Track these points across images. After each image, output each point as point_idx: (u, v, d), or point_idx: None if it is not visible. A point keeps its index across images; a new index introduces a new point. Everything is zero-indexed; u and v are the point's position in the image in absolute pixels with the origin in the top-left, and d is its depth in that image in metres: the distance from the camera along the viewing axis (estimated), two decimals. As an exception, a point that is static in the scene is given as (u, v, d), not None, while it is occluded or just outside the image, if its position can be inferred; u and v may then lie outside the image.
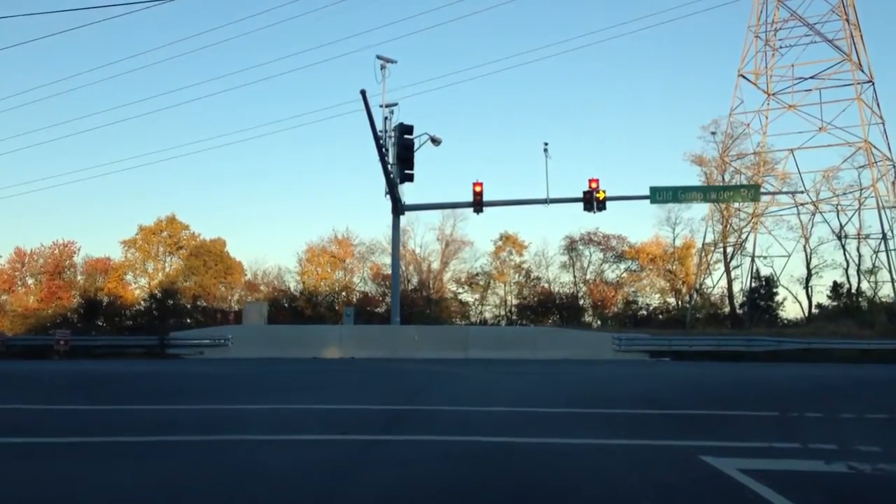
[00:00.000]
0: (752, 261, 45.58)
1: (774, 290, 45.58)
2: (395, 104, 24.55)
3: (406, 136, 24.35)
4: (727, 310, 46.68)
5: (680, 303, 48.24)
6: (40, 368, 16.68)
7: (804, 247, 45.74)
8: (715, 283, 47.55)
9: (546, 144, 26.50)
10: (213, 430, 6.57)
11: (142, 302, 48.92)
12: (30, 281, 50.00)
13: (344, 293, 47.98)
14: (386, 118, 24.56)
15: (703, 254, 46.19)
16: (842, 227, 43.84)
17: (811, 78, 42.91)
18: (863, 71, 42.35)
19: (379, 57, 23.52)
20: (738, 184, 39.79)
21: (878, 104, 42.64)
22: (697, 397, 10.57)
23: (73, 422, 7.41)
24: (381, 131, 24.13)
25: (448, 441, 6.03)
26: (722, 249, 46.73)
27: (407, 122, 24.93)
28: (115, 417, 7.73)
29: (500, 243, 48.93)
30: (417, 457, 5.30)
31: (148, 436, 6.27)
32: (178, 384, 12.40)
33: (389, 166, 24.51)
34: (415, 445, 5.86)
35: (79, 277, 50.05)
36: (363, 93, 21.62)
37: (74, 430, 6.64)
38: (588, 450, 5.74)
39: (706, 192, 29.76)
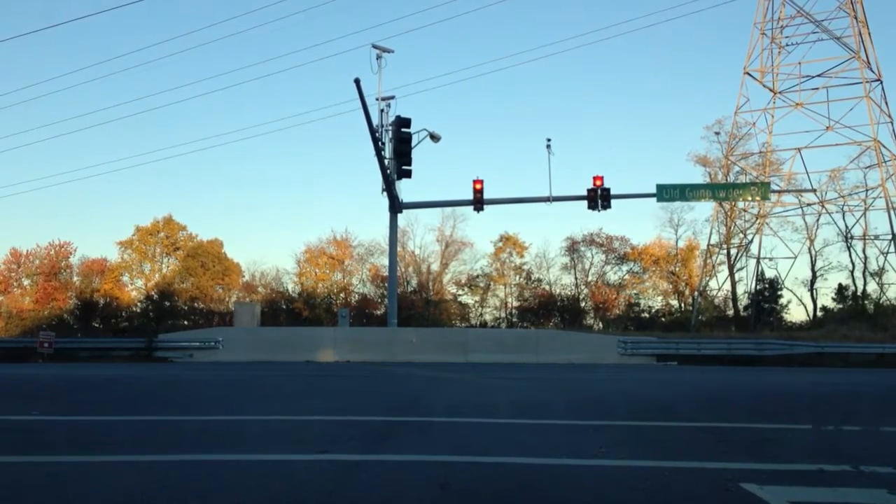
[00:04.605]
0: (757, 262, 44.85)
1: (779, 292, 44.86)
2: (392, 97, 23.72)
3: (403, 130, 23.47)
4: (731, 312, 45.90)
5: (683, 305, 47.47)
6: (9, 373, 15.85)
7: (809, 248, 45.03)
8: (720, 285, 46.79)
9: (549, 140, 25.74)
10: (156, 448, 5.69)
11: (138, 304, 48.20)
12: (25, 282, 49.36)
13: (342, 295, 47.23)
14: (382, 111, 23.75)
15: (708, 255, 45.41)
16: (848, 228, 43.09)
17: (818, 76, 42.20)
18: (871, 69, 41.60)
19: (375, 46, 22.60)
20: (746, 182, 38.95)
21: (886, 102, 41.98)
22: (718, 406, 9.72)
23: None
24: (377, 126, 23.31)
25: (446, 463, 5.16)
26: (726, 251, 46.00)
27: (405, 118, 24.07)
28: (49, 430, 6.89)
29: (500, 244, 48.21)
30: (406, 489, 4.41)
31: (72, 454, 5.41)
32: (146, 391, 11.56)
33: (386, 161, 23.66)
34: (405, 470, 4.97)
35: (75, 279, 49.39)
36: (357, 82, 20.77)
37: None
38: (610, 475, 4.87)
39: (714, 190, 28.88)
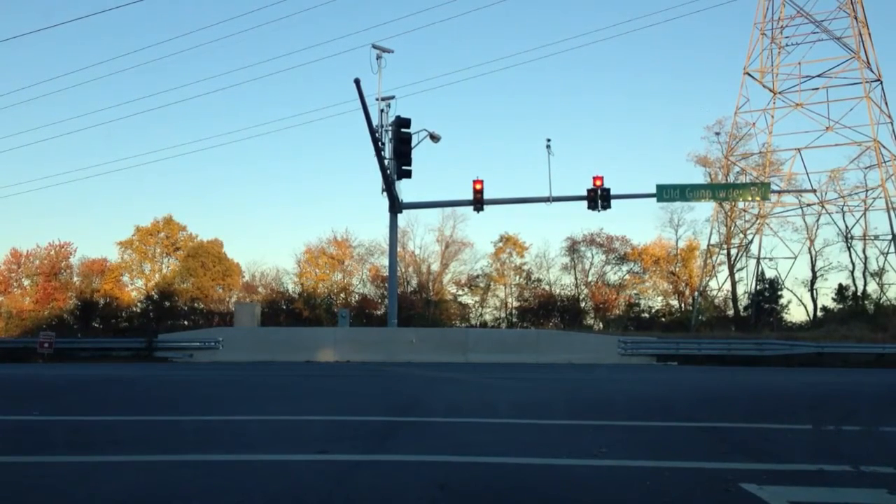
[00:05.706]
0: (758, 263, 44.85)
1: (779, 292, 44.87)
2: (392, 97, 23.71)
3: (403, 130, 23.47)
4: (731, 312, 45.90)
5: (683, 305, 47.47)
6: (9, 373, 15.86)
7: (809, 249, 45.04)
8: (720, 285, 46.79)
9: (549, 140, 25.71)
10: (156, 448, 5.70)
11: (138, 304, 48.19)
12: (25, 282, 49.33)
13: (342, 295, 47.22)
14: (382, 111, 23.75)
15: (708, 255, 45.41)
16: (848, 228, 43.10)
17: (818, 76, 42.20)
18: (871, 69, 41.61)
19: (375, 46, 22.58)
20: (746, 182, 38.96)
21: (886, 103, 42.01)
22: (718, 406, 9.71)
23: None
24: (377, 126, 23.32)
25: (446, 463, 5.16)
26: (726, 251, 46.00)
27: (404, 118, 24.08)
28: (49, 430, 6.90)
29: (500, 245, 48.22)
30: (406, 489, 4.41)
31: (72, 454, 5.44)
32: (146, 391, 11.56)
33: (386, 161, 23.67)
34: (405, 471, 4.97)
35: (75, 279, 49.36)
36: (357, 82, 20.73)
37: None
38: (610, 476, 4.87)
39: (714, 190, 28.87)
